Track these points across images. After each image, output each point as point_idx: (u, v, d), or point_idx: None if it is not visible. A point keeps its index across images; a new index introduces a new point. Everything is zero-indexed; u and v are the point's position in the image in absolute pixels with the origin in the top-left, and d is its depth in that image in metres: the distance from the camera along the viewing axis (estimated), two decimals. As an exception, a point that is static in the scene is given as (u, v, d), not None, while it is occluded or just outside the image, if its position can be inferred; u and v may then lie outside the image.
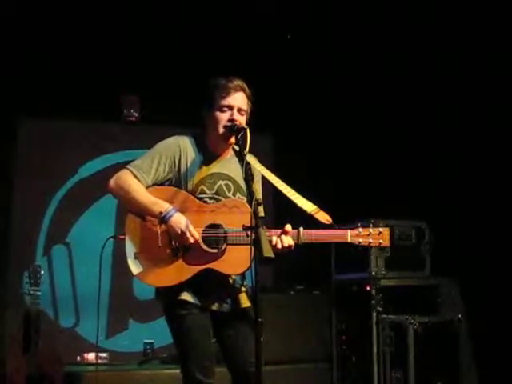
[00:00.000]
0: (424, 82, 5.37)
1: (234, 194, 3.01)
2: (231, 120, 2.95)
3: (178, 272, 2.87)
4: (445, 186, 5.20)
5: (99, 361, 5.38)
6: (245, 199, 2.97)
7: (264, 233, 2.57)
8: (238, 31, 5.72)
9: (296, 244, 2.87)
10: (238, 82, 2.99)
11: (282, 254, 2.85)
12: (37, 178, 5.86)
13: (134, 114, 6.13)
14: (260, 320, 2.53)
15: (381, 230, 2.95)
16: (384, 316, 4.93)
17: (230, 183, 3.02)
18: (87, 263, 5.83)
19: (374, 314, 4.98)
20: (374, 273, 5.05)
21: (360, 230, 2.92)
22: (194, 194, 2.95)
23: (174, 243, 2.88)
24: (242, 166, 2.85)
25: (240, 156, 2.84)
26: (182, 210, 2.88)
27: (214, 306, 2.97)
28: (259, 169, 2.90)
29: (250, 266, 2.73)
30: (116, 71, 5.77)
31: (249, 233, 2.64)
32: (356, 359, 5.24)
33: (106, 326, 5.91)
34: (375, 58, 5.69)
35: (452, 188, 5.15)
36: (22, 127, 5.91)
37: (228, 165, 3.04)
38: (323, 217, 2.80)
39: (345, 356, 5.38)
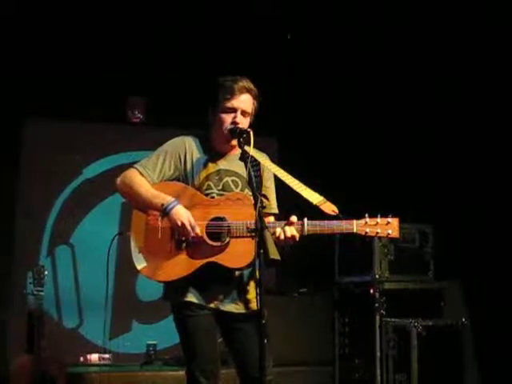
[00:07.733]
0: (423, 81, 5.37)
1: (242, 190, 2.98)
2: (234, 123, 2.93)
3: (181, 266, 2.84)
4: (448, 189, 5.20)
5: (102, 362, 5.40)
6: None
7: (269, 235, 2.56)
8: (238, 31, 5.72)
9: (301, 236, 2.80)
10: (243, 84, 2.96)
11: (286, 246, 2.80)
12: (41, 179, 5.88)
13: (139, 115, 6.15)
14: (263, 322, 2.53)
15: (389, 220, 2.81)
16: (387, 319, 4.93)
17: (237, 179, 3.00)
18: (91, 264, 5.86)
19: (378, 317, 4.96)
20: (377, 276, 5.04)
21: (367, 219, 2.81)
22: (201, 190, 2.94)
23: (176, 236, 2.85)
24: (246, 168, 2.79)
25: (243, 158, 2.81)
26: (188, 205, 2.87)
27: (223, 307, 2.92)
28: (267, 165, 2.89)
29: (254, 261, 2.70)
30: (120, 72, 5.77)
31: (252, 225, 2.60)
32: (359, 362, 5.23)
33: (110, 327, 5.91)
34: (376, 59, 5.69)
35: (456, 191, 5.15)
36: (26, 128, 5.92)
37: (236, 162, 2.95)
38: (329, 208, 2.73)
39: (348, 359, 5.36)
